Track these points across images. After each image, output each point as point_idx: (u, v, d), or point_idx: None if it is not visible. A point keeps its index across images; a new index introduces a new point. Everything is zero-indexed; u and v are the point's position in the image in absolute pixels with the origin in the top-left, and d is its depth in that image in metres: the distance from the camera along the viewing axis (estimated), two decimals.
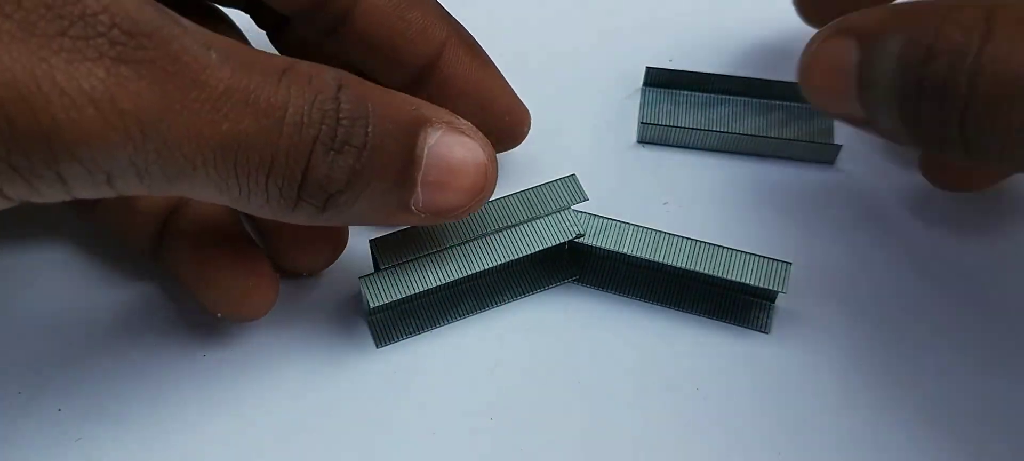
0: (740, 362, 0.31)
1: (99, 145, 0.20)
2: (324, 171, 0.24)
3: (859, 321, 0.32)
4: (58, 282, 0.32)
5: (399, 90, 0.29)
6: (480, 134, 0.28)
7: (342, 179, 0.24)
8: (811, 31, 0.31)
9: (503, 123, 0.31)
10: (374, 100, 0.25)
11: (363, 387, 0.30)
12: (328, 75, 0.24)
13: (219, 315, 0.29)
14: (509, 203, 0.31)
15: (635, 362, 0.31)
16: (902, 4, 0.27)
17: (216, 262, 0.28)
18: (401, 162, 0.26)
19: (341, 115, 0.24)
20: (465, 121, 0.27)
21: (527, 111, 0.32)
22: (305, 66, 0.24)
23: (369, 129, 0.24)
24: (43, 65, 0.19)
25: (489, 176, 0.28)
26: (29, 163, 0.19)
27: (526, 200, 0.31)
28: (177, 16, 0.22)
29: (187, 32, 0.21)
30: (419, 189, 0.26)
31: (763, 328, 0.31)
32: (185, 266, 0.29)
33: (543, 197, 0.31)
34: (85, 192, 0.21)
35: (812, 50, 0.29)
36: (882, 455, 0.29)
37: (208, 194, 0.23)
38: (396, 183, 0.26)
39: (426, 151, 0.26)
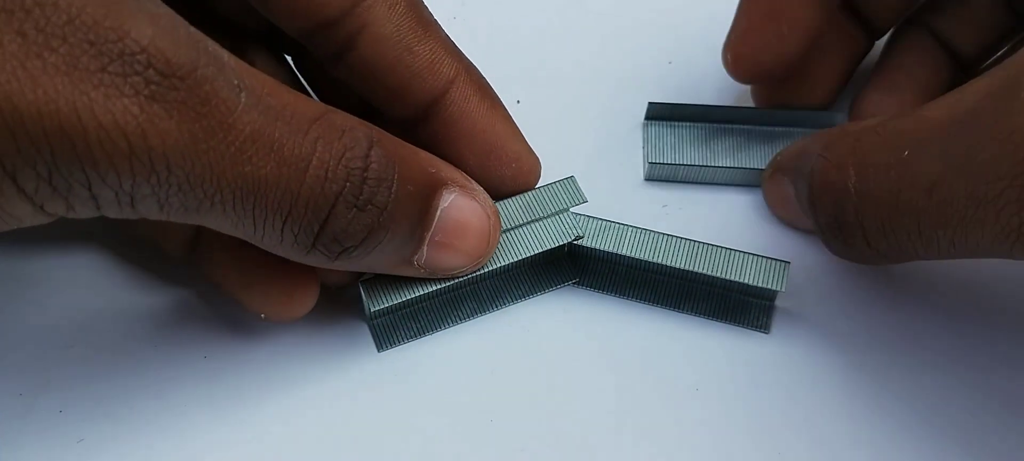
0: (740, 362, 0.31)
1: (126, 176, 0.21)
2: (343, 225, 0.25)
3: (859, 320, 0.32)
4: (58, 285, 0.32)
5: (403, 125, 0.30)
6: (489, 199, 0.29)
7: (359, 235, 0.25)
8: None
9: (511, 170, 0.31)
10: (400, 160, 0.26)
11: (364, 390, 0.30)
12: (361, 132, 0.25)
13: (263, 317, 0.29)
14: (508, 206, 0.31)
15: (635, 363, 0.31)
16: (804, 140, 0.31)
17: (256, 265, 0.29)
18: (414, 221, 0.27)
19: (368, 174, 0.24)
20: (477, 185, 0.28)
21: (537, 160, 0.31)
22: (339, 118, 0.24)
23: (393, 189, 0.25)
24: (83, 98, 0.20)
25: (491, 242, 0.29)
26: (67, 184, 0.21)
27: (525, 203, 0.31)
28: (217, 51, 0.22)
29: (222, 72, 0.22)
30: (424, 247, 0.27)
31: (763, 328, 0.32)
32: (224, 270, 0.29)
33: (542, 200, 0.31)
34: (112, 212, 0.22)
35: (764, 189, 0.34)
36: (882, 454, 0.29)
37: (224, 228, 0.24)
38: (405, 240, 0.27)
39: (438, 213, 0.27)
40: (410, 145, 0.27)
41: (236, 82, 0.22)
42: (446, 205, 0.27)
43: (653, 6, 0.41)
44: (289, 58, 0.33)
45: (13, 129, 0.19)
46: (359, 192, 0.24)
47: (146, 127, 0.21)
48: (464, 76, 0.30)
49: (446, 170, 0.28)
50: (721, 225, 0.34)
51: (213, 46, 0.22)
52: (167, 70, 0.21)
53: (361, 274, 0.30)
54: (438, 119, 0.30)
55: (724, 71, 0.38)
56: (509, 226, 0.31)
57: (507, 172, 0.31)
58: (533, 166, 0.31)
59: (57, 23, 0.20)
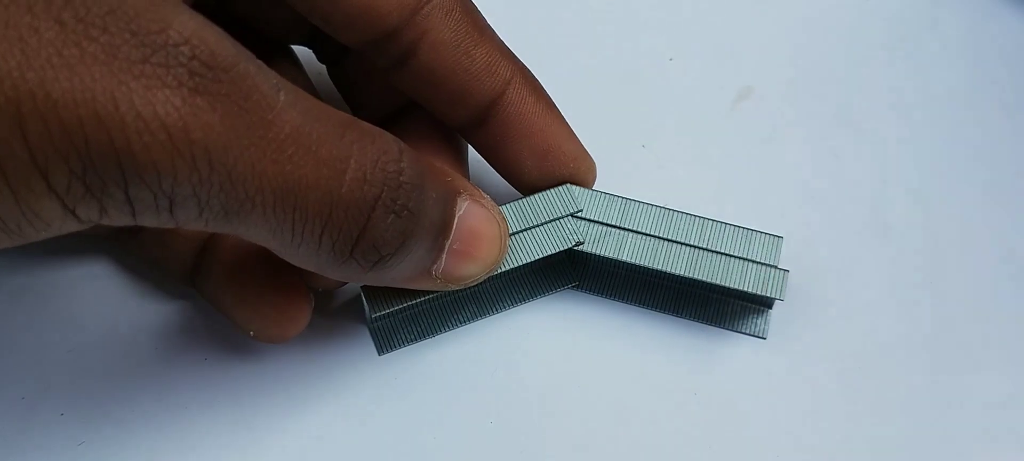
0: (738, 368, 0.31)
1: (167, 171, 0.20)
2: (380, 232, 0.24)
3: (856, 326, 0.32)
4: (59, 289, 0.32)
5: (462, 129, 0.31)
6: (497, 207, 0.29)
7: (396, 242, 0.25)
8: None
9: (568, 170, 0.31)
10: (426, 166, 0.26)
11: (365, 393, 0.30)
12: (389, 137, 0.25)
13: (251, 334, 0.29)
14: (504, 213, 0.31)
15: (634, 367, 0.31)
16: None
17: (252, 283, 0.29)
18: (437, 229, 0.27)
19: (403, 179, 0.24)
20: (486, 195, 0.28)
21: (593, 162, 0.32)
22: (367, 125, 0.24)
23: (424, 195, 0.25)
24: (123, 88, 0.19)
25: (502, 250, 0.29)
26: (102, 183, 0.20)
27: (521, 210, 0.31)
28: (251, 54, 0.22)
29: (260, 71, 0.22)
30: (444, 256, 0.27)
31: (761, 334, 0.32)
32: (221, 286, 0.29)
33: (537, 207, 0.31)
34: (149, 218, 0.21)
35: None
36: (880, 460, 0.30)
37: (260, 236, 0.23)
38: (429, 248, 0.27)
39: (456, 221, 0.27)
40: (425, 155, 0.27)
41: (275, 81, 0.22)
42: (462, 213, 0.27)
43: (654, 2, 0.40)
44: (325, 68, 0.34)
45: (46, 118, 0.19)
46: (396, 197, 0.24)
47: (189, 119, 0.20)
48: (519, 78, 0.30)
49: (458, 179, 0.28)
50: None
51: (245, 49, 0.22)
52: (211, 62, 0.20)
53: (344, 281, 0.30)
54: (496, 121, 0.30)
55: (723, 69, 0.38)
56: (509, 231, 0.31)
57: (565, 172, 0.31)
58: (591, 167, 0.32)
59: (97, 13, 0.19)
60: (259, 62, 0.22)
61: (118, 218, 0.21)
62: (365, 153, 0.23)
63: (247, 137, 0.21)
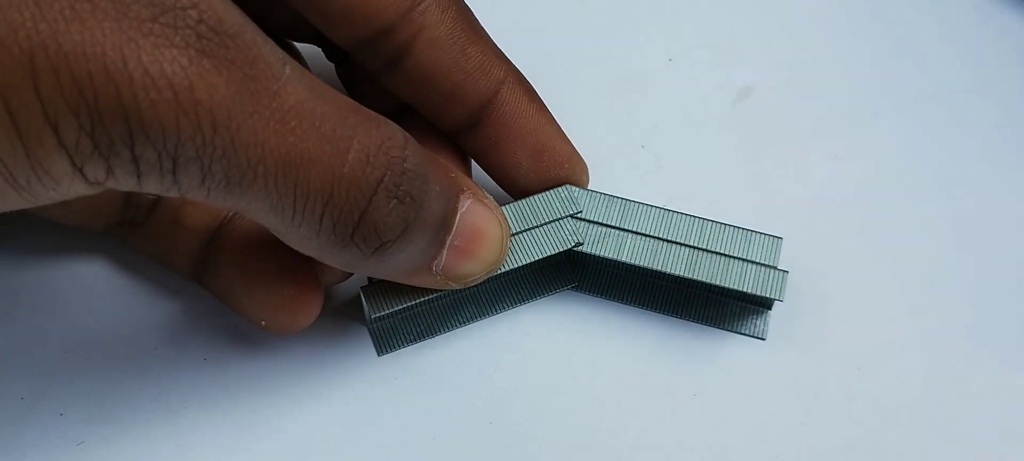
0: (737, 369, 0.31)
1: (171, 129, 0.20)
2: (382, 216, 0.24)
3: (856, 326, 0.32)
4: (59, 289, 0.32)
5: (457, 129, 0.31)
6: (500, 209, 0.29)
7: (397, 229, 0.25)
8: None
9: (563, 171, 0.31)
10: (429, 158, 0.26)
11: (364, 394, 0.30)
12: (394, 125, 0.25)
13: (263, 325, 0.29)
14: (504, 213, 0.31)
15: (633, 369, 0.31)
16: None
17: (263, 272, 0.29)
18: (439, 223, 0.27)
19: (407, 165, 0.24)
20: (488, 195, 0.28)
21: (586, 163, 0.32)
22: (371, 111, 0.24)
23: (428, 186, 0.25)
24: (131, 45, 0.20)
25: (503, 251, 0.29)
26: (109, 139, 0.20)
27: (520, 210, 0.31)
28: (257, 27, 0.22)
29: (267, 43, 0.22)
30: (444, 252, 0.27)
31: (760, 335, 0.32)
32: (231, 278, 0.29)
33: (536, 207, 0.31)
34: (153, 183, 0.21)
35: None
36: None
37: (261, 212, 0.23)
38: (430, 242, 0.27)
39: (458, 217, 0.27)
40: (429, 150, 0.27)
41: (281, 55, 0.22)
42: (464, 210, 0.27)
43: (653, 3, 0.40)
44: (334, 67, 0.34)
45: (58, 70, 0.19)
46: (399, 182, 0.24)
47: (194, 79, 0.20)
48: (513, 78, 0.30)
49: (462, 176, 0.28)
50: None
51: (253, 22, 0.22)
52: (218, 27, 0.21)
53: (349, 275, 0.30)
54: (490, 121, 0.30)
55: (722, 69, 0.39)
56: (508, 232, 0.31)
57: (560, 173, 0.31)
58: (584, 168, 0.32)
59: None
60: (265, 35, 0.22)
61: (124, 180, 0.21)
62: (369, 135, 0.24)
63: (251, 104, 0.21)
